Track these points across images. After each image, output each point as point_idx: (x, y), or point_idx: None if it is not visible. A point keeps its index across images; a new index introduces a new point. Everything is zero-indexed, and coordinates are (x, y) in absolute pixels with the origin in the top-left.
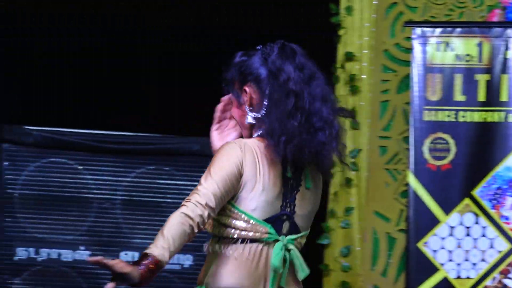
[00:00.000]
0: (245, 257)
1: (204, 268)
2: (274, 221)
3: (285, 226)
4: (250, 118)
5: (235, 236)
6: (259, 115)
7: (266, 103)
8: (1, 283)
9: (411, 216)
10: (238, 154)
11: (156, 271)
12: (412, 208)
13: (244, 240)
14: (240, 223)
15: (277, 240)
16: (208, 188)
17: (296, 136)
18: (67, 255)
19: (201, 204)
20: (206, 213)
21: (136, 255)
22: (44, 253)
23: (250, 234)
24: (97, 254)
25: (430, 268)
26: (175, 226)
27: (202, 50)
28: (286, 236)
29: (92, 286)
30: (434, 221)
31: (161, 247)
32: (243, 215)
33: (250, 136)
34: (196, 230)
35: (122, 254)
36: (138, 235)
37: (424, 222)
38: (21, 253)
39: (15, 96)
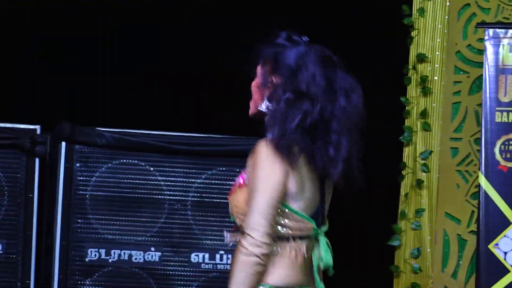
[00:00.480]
0: (299, 254)
1: None
2: (315, 215)
3: (320, 218)
4: (264, 106)
5: (287, 235)
6: (280, 105)
7: (289, 96)
8: (73, 285)
9: (482, 217)
10: (279, 161)
11: None
12: (483, 210)
13: (294, 238)
14: (290, 222)
15: (317, 235)
16: (262, 219)
17: (296, 138)
18: (138, 256)
19: (264, 242)
20: (267, 246)
21: (206, 256)
22: (115, 254)
23: (300, 232)
24: (168, 255)
25: (501, 270)
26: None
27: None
28: (320, 228)
29: (162, 287)
30: (505, 223)
31: None
32: (294, 214)
33: (259, 115)
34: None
35: (193, 255)
36: (209, 236)
37: (495, 224)
38: (92, 254)
39: (86, 98)
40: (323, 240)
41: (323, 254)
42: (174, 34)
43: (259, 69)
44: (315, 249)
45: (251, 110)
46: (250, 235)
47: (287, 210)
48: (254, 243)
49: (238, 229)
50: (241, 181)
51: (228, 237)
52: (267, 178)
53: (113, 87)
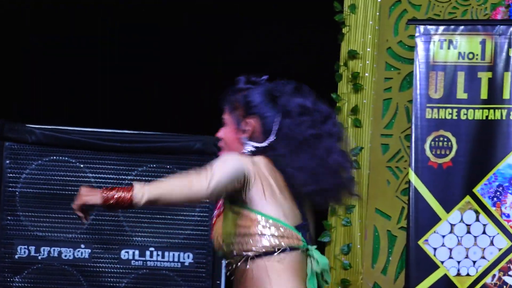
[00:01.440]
0: (293, 265)
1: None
2: (301, 229)
3: (307, 235)
4: (250, 147)
5: (276, 245)
6: (260, 146)
7: (271, 139)
8: (2, 282)
9: (412, 214)
10: (245, 160)
11: (121, 205)
12: (413, 206)
13: (284, 249)
14: (275, 231)
15: (307, 249)
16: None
17: (322, 178)
18: (68, 253)
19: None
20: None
21: (137, 253)
22: (45, 251)
23: (288, 241)
24: (98, 252)
25: (430, 266)
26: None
27: (205, 46)
28: (309, 244)
29: (92, 284)
30: (435, 219)
31: (146, 188)
32: (275, 223)
33: None
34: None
35: (123, 252)
36: (139, 233)
37: (425, 220)
38: (22, 251)
39: (16, 94)
40: (314, 249)
41: (319, 258)
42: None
43: (227, 118)
44: (308, 259)
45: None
46: (208, 181)
47: (270, 220)
48: (207, 187)
49: (230, 256)
50: (220, 210)
51: (238, 266)
52: (228, 163)
53: (45, 82)
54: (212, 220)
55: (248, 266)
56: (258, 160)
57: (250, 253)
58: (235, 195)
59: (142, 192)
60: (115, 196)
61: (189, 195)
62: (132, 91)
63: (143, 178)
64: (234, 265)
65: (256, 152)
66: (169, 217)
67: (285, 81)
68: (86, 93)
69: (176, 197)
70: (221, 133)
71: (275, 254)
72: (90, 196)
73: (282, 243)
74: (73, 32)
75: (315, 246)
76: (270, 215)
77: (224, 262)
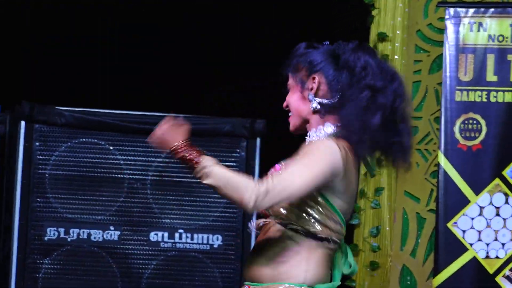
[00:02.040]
0: (330, 257)
1: (291, 262)
2: (347, 222)
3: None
4: (315, 103)
5: (327, 234)
6: (328, 101)
7: (337, 98)
8: (31, 263)
9: (441, 196)
10: (338, 156)
11: (191, 163)
12: (442, 189)
13: (334, 240)
14: (331, 224)
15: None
16: (286, 191)
17: (378, 135)
18: (97, 235)
19: (262, 206)
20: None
21: (166, 235)
22: (74, 233)
23: (336, 236)
24: (127, 234)
25: (459, 248)
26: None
27: (229, 30)
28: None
29: (121, 266)
30: (464, 201)
31: (212, 161)
32: (335, 216)
33: (303, 126)
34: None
35: (152, 234)
36: (168, 215)
37: (454, 202)
38: (52, 233)
39: (46, 76)
40: (346, 246)
41: (352, 261)
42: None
43: (291, 80)
44: (338, 254)
45: (294, 122)
46: (263, 193)
47: (331, 210)
48: (258, 199)
49: (267, 215)
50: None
51: (252, 225)
52: (321, 158)
53: (74, 65)
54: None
55: (291, 236)
56: (345, 148)
57: (301, 230)
58: None
59: (207, 169)
60: (186, 154)
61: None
62: (161, 75)
63: (172, 160)
64: (278, 229)
65: (323, 109)
66: (198, 199)
67: (348, 43)
68: (116, 76)
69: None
70: (287, 100)
71: (321, 241)
72: (170, 137)
73: (332, 237)
74: (102, 12)
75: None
76: (338, 210)
77: (252, 244)
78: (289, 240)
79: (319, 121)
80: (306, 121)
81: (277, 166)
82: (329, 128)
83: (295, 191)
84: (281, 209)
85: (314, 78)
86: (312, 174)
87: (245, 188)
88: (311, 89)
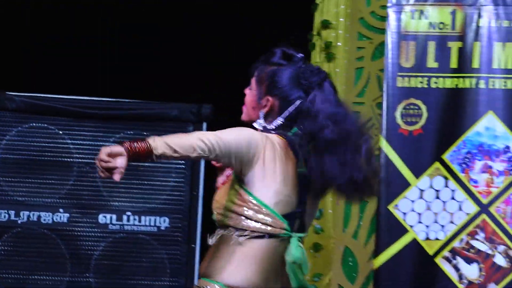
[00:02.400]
0: (264, 253)
1: (215, 261)
2: (290, 217)
3: (296, 223)
4: (258, 125)
5: (255, 229)
6: (272, 126)
7: (281, 121)
8: None
9: (383, 179)
10: (258, 137)
11: (142, 154)
12: (384, 172)
13: (262, 235)
14: (261, 216)
15: (290, 237)
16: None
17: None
18: (47, 217)
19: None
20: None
21: (114, 217)
22: (24, 215)
23: (270, 228)
24: (76, 216)
25: (400, 230)
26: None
27: (185, 14)
28: (294, 232)
29: (70, 248)
30: (404, 185)
31: (158, 138)
32: (264, 208)
33: (252, 122)
34: (199, 153)
35: (101, 216)
36: (116, 198)
37: (395, 186)
38: (2, 215)
39: None
40: (294, 240)
41: (293, 250)
42: None
43: (254, 84)
44: (287, 249)
45: (244, 118)
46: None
47: (257, 202)
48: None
49: (219, 224)
50: (226, 179)
51: (212, 238)
52: (241, 130)
53: (24, 50)
54: (216, 185)
55: (230, 240)
56: (271, 139)
57: (232, 230)
58: (239, 172)
59: (156, 141)
60: (135, 145)
61: (196, 145)
62: (109, 59)
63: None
64: (218, 234)
65: (264, 131)
66: (145, 182)
67: (316, 69)
68: (65, 61)
69: (185, 147)
70: (246, 97)
71: (253, 238)
72: (113, 148)
73: (265, 230)
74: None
75: (302, 235)
76: (263, 201)
77: (199, 227)
78: (226, 242)
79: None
80: (253, 121)
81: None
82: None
83: (226, 141)
84: (219, 216)
85: (268, 100)
86: (234, 134)
87: (194, 147)
88: (264, 107)
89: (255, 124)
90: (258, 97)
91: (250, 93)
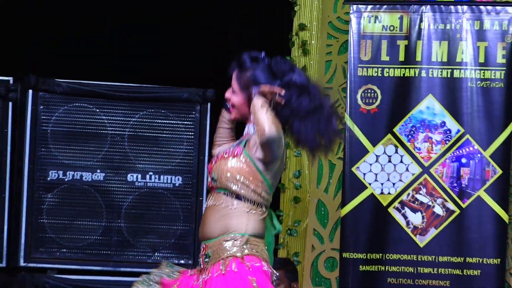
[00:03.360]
0: (263, 219)
1: (228, 219)
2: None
3: None
4: (249, 129)
5: (260, 202)
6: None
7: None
8: (37, 198)
9: (347, 147)
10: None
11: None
12: (348, 142)
13: (264, 206)
14: (265, 194)
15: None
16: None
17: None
18: (87, 176)
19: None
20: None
21: (139, 176)
22: (70, 175)
23: (267, 203)
24: (110, 176)
25: (360, 187)
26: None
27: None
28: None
29: (106, 200)
30: (364, 151)
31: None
32: (268, 190)
33: (242, 119)
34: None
35: (129, 175)
36: (141, 161)
37: (356, 152)
38: (53, 174)
39: (48, 52)
40: (271, 211)
41: (275, 222)
42: None
43: (239, 90)
44: (268, 219)
45: (235, 116)
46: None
47: (268, 188)
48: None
49: (215, 187)
50: (235, 153)
51: (212, 201)
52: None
53: (69, 43)
54: (219, 155)
55: (234, 203)
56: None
57: (243, 199)
58: (268, 159)
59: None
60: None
61: (277, 131)
62: (134, 53)
63: (144, 120)
64: (223, 195)
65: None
66: (163, 149)
67: (280, 58)
68: (100, 54)
69: (274, 127)
70: (231, 98)
71: (258, 207)
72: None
73: (265, 203)
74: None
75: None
76: (270, 184)
77: (204, 184)
78: (232, 205)
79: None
80: (245, 117)
81: (234, 149)
82: None
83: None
84: (229, 184)
85: (255, 90)
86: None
87: (267, 122)
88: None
89: (245, 132)
90: (248, 99)
91: (236, 97)
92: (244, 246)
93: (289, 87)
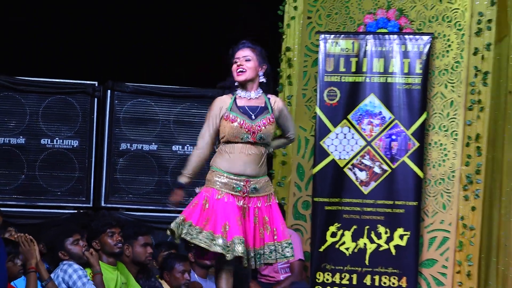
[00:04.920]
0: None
1: (264, 165)
2: None
3: None
4: (263, 78)
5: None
6: (263, 79)
7: (264, 77)
8: (113, 161)
9: (317, 128)
10: None
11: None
12: (317, 124)
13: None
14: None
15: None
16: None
17: None
18: (146, 147)
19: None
20: None
21: (180, 147)
22: (134, 146)
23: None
24: (161, 147)
25: (325, 154)
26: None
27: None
28: None
29: (159, 163)
30: (328, 131)
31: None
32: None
33: (249, 81)
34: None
35: (173, 146)
36: (181, 137)
37: (323, 132)
38: (123, 146)
39: (121, 63)
40: None
41: None
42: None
43: (256, 57)
44: None
45: (246, 78)
46: (293, 137)
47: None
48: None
49: (262, 142)
50: (270, 121)
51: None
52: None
53: (135, 54)
54: (260, 120)
55: (265, 152)
56: None
57: (268, 148)
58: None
59: None
60: None
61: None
62: (180, 62)
63: (183, 110)
64: (261, 145)
65: (258, 80)
66: (195, 129)
67: (261, 48)
68: (158, 64)
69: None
70: (247, 65)
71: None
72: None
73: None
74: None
75: None
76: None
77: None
78: (265, 153)
79: (256, 85)
80: (251, 81)
81: (268, 119)
82: (260, 91)
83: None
84: (268, 141)
85: (264, 66)
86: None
87: (295, 130)
88: (263, 68)
89: (260, 79)
90: (260, 64)
91: (253, 63)
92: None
93: (267, 62)
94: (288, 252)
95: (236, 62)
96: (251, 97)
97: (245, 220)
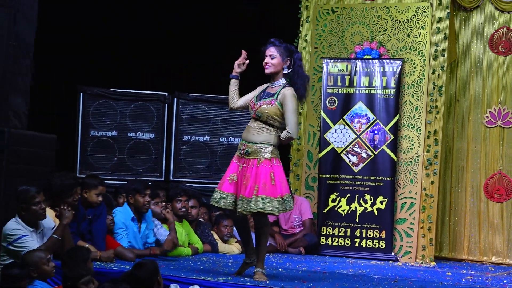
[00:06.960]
0: (278, 135)
1: (266, 134)
2: None
3: None
4: (286, 71)
5: (278, 127)
6: (288, 71)
7: (290, 70)
8: (178, 149)
9: (321, 125)
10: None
11: None
12: (322, 122)
13: (279, 129)
14: (279, 124)
15: None
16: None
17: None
18: (201, 138)
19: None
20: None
21: (225, 139)
22: (193, 137)
23: (282, 127)
24: (212, 138)
25: (328, 143)
26: None
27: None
28: None
29: (210, 150)
30: (329, 127)
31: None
32: (283, 121)
33: (274, 74)
34: None
35: (222, 138)
36: (226, 131)
37: (325, 128)
38: (185, 137)
39: (185, 77)
40: None
41: None
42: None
43: (279, 53)
44: None
45: (271, 71)
46: (292, 132)
47: (281, 118)
48: (292, 137)
49: (259, 119)
50: (272, 103)
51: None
52: (296, 107)
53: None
54: (261, 101)
55: (264, 127)
56: None
57: (270, 123)
58: (281, 114)
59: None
60: None
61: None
62: (220, 75)
63: (226, 112)
64: (260, 121)
65: (283, 73)
66: (236, 126)
67: (287, 44)
68: (210, 77)
69: (297, 131)
70: (271, 61)
71: (277, 130)
72: None
73: (281, 127)
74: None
75: None
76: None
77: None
78: (267, 126)
79: (280, 76)
80: (276, 73)
81: (272, 101)
82: (283, 81)
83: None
84: (266, 117)
85: (288, 60)
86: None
87: (296, 127)
88: (286, 62)
89: (284, 71)
90: (282, 59)
91: (277, 59)
92: (271, 152)
93: (295, 60)
94: (259, 205)
95: (264, 59)
96: (273, 86)
97: (239, 176)
